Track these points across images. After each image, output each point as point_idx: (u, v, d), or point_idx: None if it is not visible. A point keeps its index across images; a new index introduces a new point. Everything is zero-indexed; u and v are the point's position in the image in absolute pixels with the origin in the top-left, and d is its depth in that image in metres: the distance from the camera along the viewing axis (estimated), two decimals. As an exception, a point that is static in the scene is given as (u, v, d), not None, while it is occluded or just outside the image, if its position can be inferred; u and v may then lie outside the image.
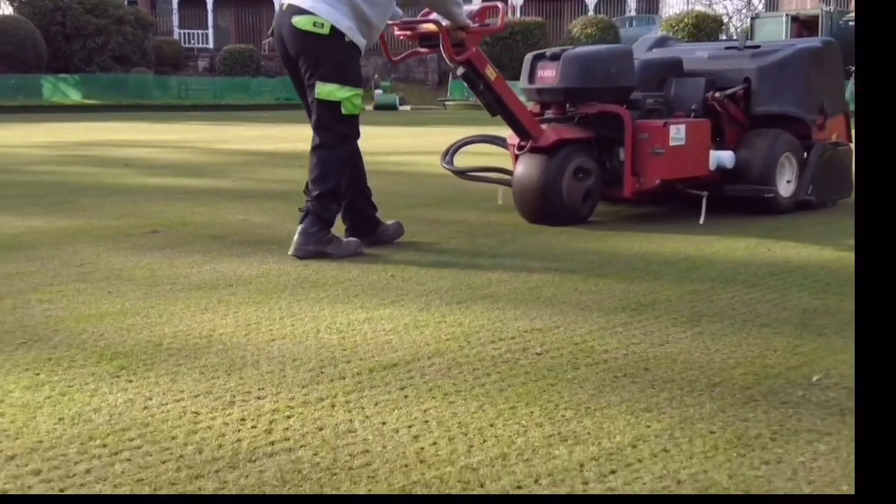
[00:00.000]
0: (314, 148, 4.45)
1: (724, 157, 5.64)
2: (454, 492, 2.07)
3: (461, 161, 6.00)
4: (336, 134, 4.40)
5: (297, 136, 15.39)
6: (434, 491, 2.07)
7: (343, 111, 4.33)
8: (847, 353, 3.14)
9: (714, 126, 5.65)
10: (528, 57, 5.54)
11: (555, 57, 5.34)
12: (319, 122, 4.40)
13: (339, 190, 4.52)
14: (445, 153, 5.83)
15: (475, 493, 2.08)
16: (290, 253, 4.63)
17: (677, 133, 5.33)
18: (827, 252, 4.90)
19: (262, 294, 4.00)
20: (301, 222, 4.54)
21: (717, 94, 5.56)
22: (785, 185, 5.86)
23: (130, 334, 3.36)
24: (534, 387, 2.79)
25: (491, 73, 4.91)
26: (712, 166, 5.60)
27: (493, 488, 2.09)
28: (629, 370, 2.95)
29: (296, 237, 4.57)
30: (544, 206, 5.36)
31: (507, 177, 5.65)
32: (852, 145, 6.43)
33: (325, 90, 4.28)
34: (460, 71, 4.99)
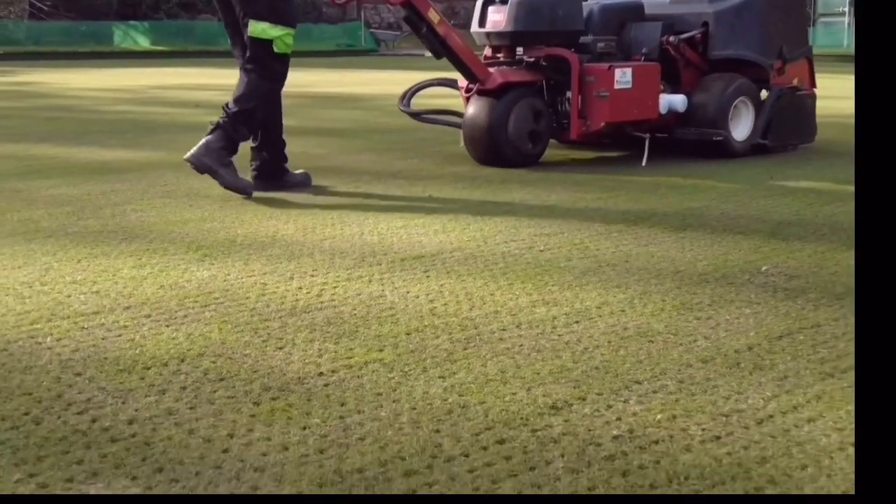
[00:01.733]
0: (246, 71, 4.50)
1: (675, 101, 5.65)
2: (455, 335, 2.76)
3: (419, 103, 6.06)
4: (268, 70, 4.49)
5: (354, 81, 16.10)
6: (439, 333, 2.77)
7: (275, 49, 4.42)
8: (802, 251, 3.76)
9: (671, 70, 5.71)
10: (479, 1, 5.56)
11: (504, 1, 5.36)
12: (253, 58, 4.47)
13: (256, 116, 4.55)
14: (403, 96, 5.88)
15: (466, 319, 2.78)
16: (184, 157, 4.64)
17: (623, 76, 5.39)
18: (826, 183, 5.47)
19: (317, 207, 4.73)
20: (209, 134, 4.54)
21: (671, 38, 5.60)
22: (739, 129, 5.88)
23: (210, 234, 4.12)
24: (531, 272, 3.47)
25: (434, 16, 4.98)
26: (663, 110, 5.62)
27: (484, 331, 2.79)
28: (612, 262, 3.62)
29: (198, 145, 4.54)
30: (492, 148, 5.50)
31: (459, 119, 5.77)
32: (816, 91, 6.52)
33: (258, 28, 4.36)
34: (403, 14, 5.02)
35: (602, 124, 5.62)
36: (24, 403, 2.23)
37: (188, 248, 3.85)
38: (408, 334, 2.75)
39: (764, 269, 3.51)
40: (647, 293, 3.17)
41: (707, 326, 2.82)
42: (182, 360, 2.51)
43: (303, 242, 3.96)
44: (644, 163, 5.80)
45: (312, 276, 3.42)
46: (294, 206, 4.78)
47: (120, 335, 2.72)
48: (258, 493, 1.80)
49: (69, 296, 3.12)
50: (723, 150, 5.91)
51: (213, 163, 4.67)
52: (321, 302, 3.09)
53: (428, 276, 3.40)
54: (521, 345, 2.66)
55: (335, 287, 3.26)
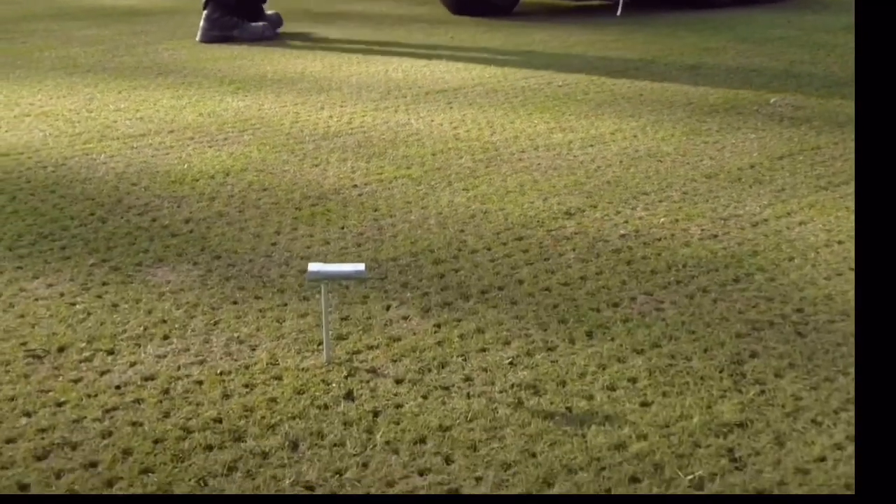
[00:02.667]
0: None
1: None
2: (477, 155, 2.96)
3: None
4: None
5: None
6: (462, 154, 2.97)
7: None
8: (811, 86, 3.90)
9: None
10: None
11: None
12: None
13: None
14: None
15: (488, 143, 2.99)
16: (196, 40, 4.90)
17: None
18: (841, 30, 5.53)
19: (342, 49, 4.87)
20: (204, 8, 4.81)
21: None
22: None
23: (241, 70, 4.28)
24: (550, 104, 3.64)
25: None
26: None
27: (504, 152, 2.98)
28: (627, 95, 3.77)
29: (201, 26, 4.84)
30: None
31: None
32: None
33: None
34: None
35: None
36: (89, 207, 2.47)
37: (221, 82, 4.02)
38: (433, 155, 2.95)
39: (773, 101, 3.66)
40: (658, 121, 3.34)
41: (714, 149, 3.01)
42: (227, 174, 2.74)
43: (330, 78, 4.12)
44: (618, 13, 5.83)
45: (342, 106, 3.60)
46: (319, 47, 4.92)
47: (167, 153, 2.94)
48: (304, 274, 2.04)
49: (115, 121, 3.33)
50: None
51: (222, 31, 4.94)
52: (351, 128, 3.28)
53: (451, 107, 3.58)
54: (539, 164, 2.86)
55: (364, 116, 3.45)
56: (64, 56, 4.54)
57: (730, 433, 1.47)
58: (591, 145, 3.06)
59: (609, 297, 1.94)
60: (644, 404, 1.55)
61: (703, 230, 2.31)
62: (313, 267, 1.63)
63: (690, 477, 1.37)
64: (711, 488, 1.35)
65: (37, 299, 1.92)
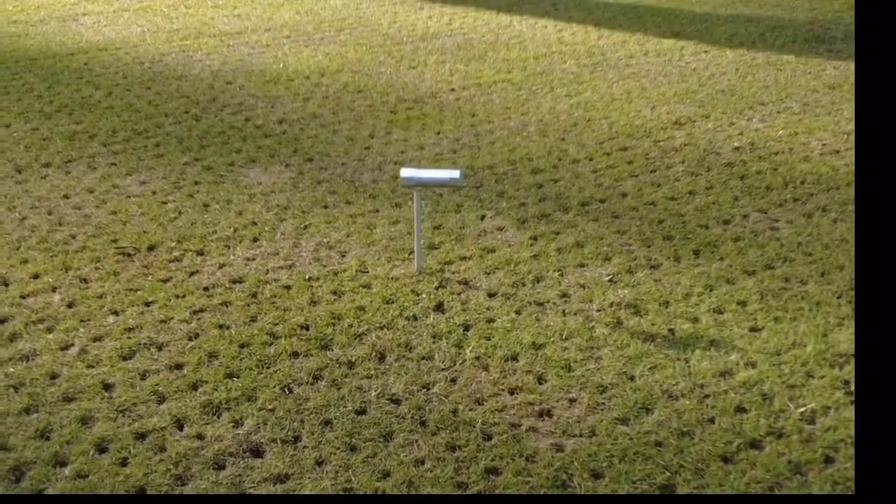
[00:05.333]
0: None
1: None
2: (582, 60, 2.82)
3: None
4: None
5: None
6: (566, 58, 2.83)
7: None
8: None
9: None
10: None
11: None
12: None
13: None
14: None
15: (594, 47, 2.84)
16: None
17: None
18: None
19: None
20: None
21: None
22: None
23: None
24: (662, 5, 3.43)
25: None
26: None
27: (611, 57, 2.83)
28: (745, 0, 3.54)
29: None
30: None
31: None
32: None
33: None
34: None
35: None
36: (183, 105, 2.43)
37: None
38: (535, 59, 2.82)
39: (906, 8, 3.38)
40: (779, 27, 3.13)
41: (839, 58, 2.79)
42: (322, 75, 2.66)
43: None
44: None
45: (442, 6, 3.48)
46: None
47: (263, 52, 2.88)
48: (397, 180, 1.97)
49: (212, 18, 3.28)
50: None
51: None
52: (451, 29, 3.16)
53: (556, 8, 3.42)
54: (648, 70, 2.70)
55: (464, 17, 3.32)
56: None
57: (846, 364, 1.36)
58: (705, 51, 2.88)
59: (719, 214, 1.82)
60: (754, 329, 1.45)
61: (824, 145, 2.15)
62: (406, 172, 1.55)
63: (802, 410, 1.27)
64: (824, 423, 1.25)
65: (129, 196, 1.90)
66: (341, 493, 1.16)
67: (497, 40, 3.03)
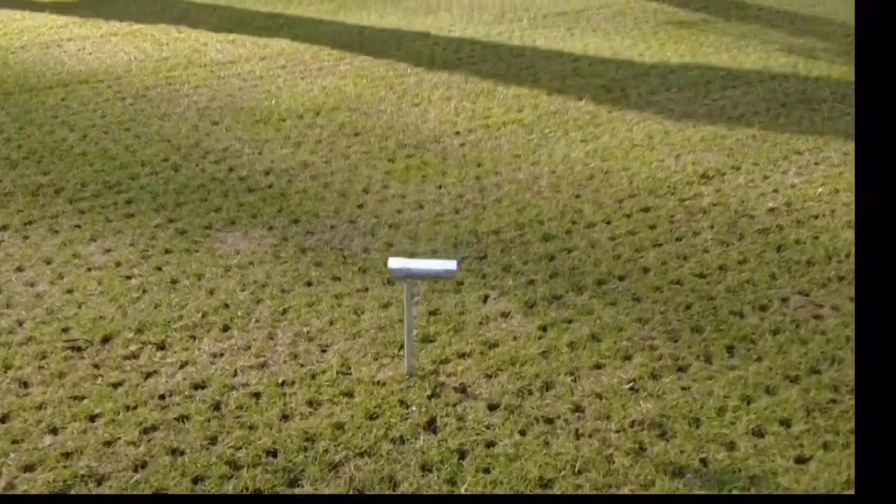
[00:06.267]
0: None
1: None
2: (599, 96, 2.60)
3: None
4: None
5: None
6: (582, 84, 2.61)
7: None
8: None
9: None
10: None
11: None
12: None
13: None
14: None
15: (612, 80, 2.62)
16: None
17: None
18: None
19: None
20: None
21: None
22: None
23: (345, -15, 3.97)
24: (684, 32, 3.21)
25: None
26: None
27: (631, 92, 2.61)
28: (776, 22, 3.31)
29: None
30: None
31: None
32: None
33: None
34: None
35: None
36: (163, 150, 2.23)
37: (322, 0, 3.72)
38: (548, 94, 2.61)
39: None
40: (813, 56, 2.90)
41: (880, 96, 2.56)
42: (317, 113, 2.46)
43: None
44: None
45: (450, 31, 3.26)
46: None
47: (255, 85, 2.68)
48: (391, 248, 1.76)
49: (205, 44, 3.08)
50: None
51: None
52: (458, 58, 2.95)
53: (572, 35, 3.20)
54: (672, 108, 2.48)
55: (473, 44, 3.11)
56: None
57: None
58: (734, 86, 2.65)
59: (755, 297, 1.59)
60: (800, 461, 1.23)
61: (870, 207, 1.91)
62: (395, 263, 1.34)
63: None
64: None
65: (89, 269, 1.70)
66: None
67: (508, 71, 2.82)
